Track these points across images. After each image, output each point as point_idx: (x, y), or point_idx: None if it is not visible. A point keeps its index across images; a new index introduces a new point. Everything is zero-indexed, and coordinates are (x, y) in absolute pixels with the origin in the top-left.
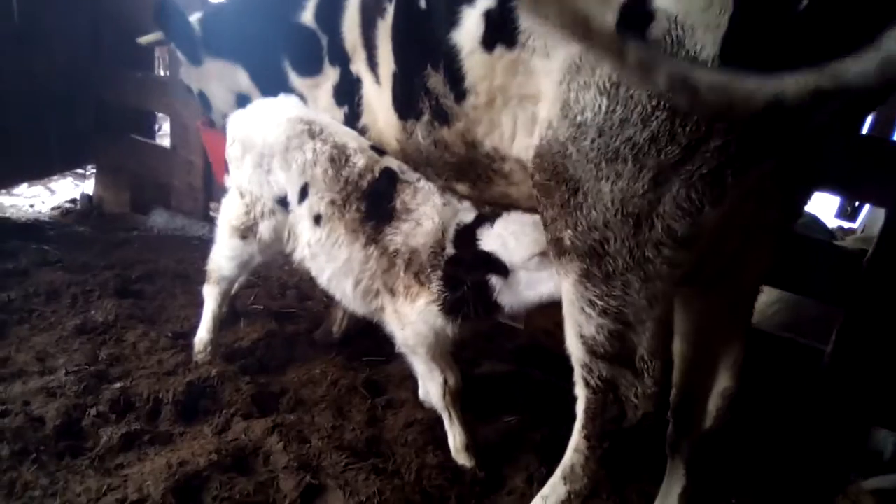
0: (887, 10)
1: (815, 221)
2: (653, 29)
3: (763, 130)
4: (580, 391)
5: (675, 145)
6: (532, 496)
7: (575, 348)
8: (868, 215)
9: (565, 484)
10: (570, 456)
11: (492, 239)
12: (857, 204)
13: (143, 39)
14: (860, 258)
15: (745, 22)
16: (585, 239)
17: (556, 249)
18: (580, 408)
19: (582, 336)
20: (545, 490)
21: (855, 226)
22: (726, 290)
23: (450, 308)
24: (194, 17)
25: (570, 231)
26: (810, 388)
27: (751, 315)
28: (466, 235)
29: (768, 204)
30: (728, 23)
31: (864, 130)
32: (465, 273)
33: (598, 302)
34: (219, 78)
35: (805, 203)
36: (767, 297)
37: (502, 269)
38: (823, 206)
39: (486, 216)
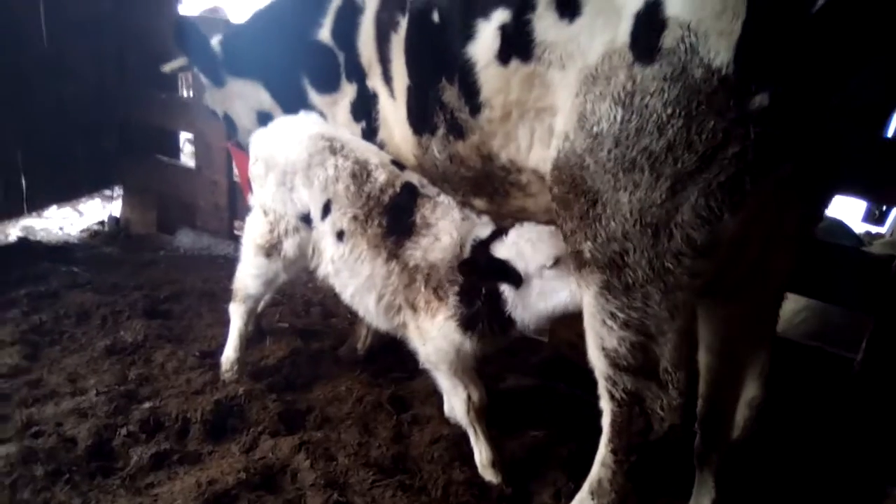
0: None
1: (841, 227)
2: (666, 37)
3: (781, 135)
4: (605, 404)
5: (691, 153)
6: None
7: (598, 361)
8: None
9: (593, 499)
10: (597, 470)
11: (506, 247)
12: (884, 208)
13: (168, 67)
14: (889, 263)
15: (759, 27)
16: (605, 250)
17: (576, 262)
18: (606, 421)
19: (604, 349)
20: None
21: (883, 230)
22: (749, 298)
23: (466, 323)
24: (215, 40)
25: (589, 243)
26: (840, 397)
27: (775, 323)
28: (482, 250)
29: (788, 209)
30: (741, 28)
31: (890, 133)
32: (478, 280)
33: (620, 314)
34: (241, 97)
35: (825, 207)
36: (794, 304)
37: (516, 278)
38: (850, 210)
39: (504, 230)
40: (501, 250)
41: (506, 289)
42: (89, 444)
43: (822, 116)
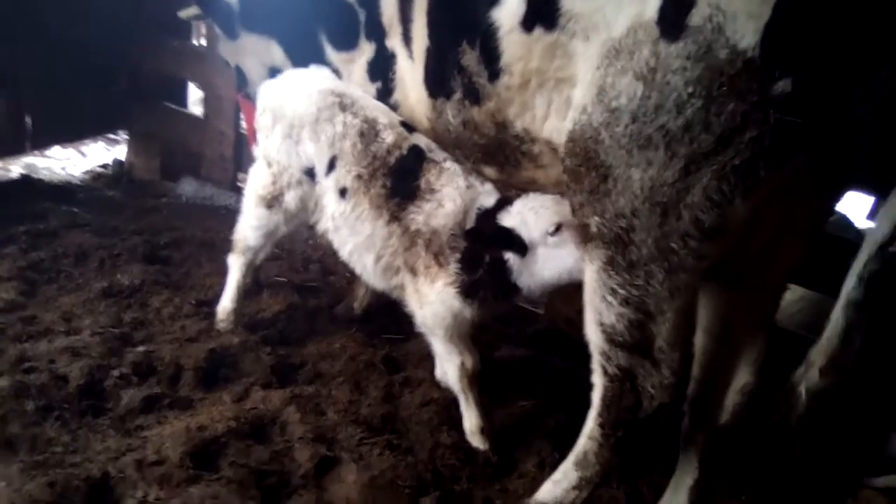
0: None
1: (844, 221)
2: (694, 15)
3: (801, 123)
4: (597, 379)
5: (708, 134)
6: (543, 481)
7: (594, 336)
8: None
9: (577, 470)
10: (583, 443)
11: (511, 216)
12: None
13: (184, 14)
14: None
15: (789, 12)
16: (612, 226)
17: (582, 235)
18: (596, 395)
19: (602, 324)
20: (556, 475)
21: None
22: (753, 286)
23: (467, 290)
24: None
25: (597, 217)
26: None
27: (774, 312)
28: (487, 219)
29: (801, 201)
30: (771, 12)
31: None
32: (484, 249)
33: (621, 291)
34: (254, 52)
35: (837, 202)
36: (791, 295)
37: (521, 246)
38: (855, 206)
39: (509, 199)
40: (507, 219)
41: (511, 257)
42: (81, 383)
43: (843, 108)
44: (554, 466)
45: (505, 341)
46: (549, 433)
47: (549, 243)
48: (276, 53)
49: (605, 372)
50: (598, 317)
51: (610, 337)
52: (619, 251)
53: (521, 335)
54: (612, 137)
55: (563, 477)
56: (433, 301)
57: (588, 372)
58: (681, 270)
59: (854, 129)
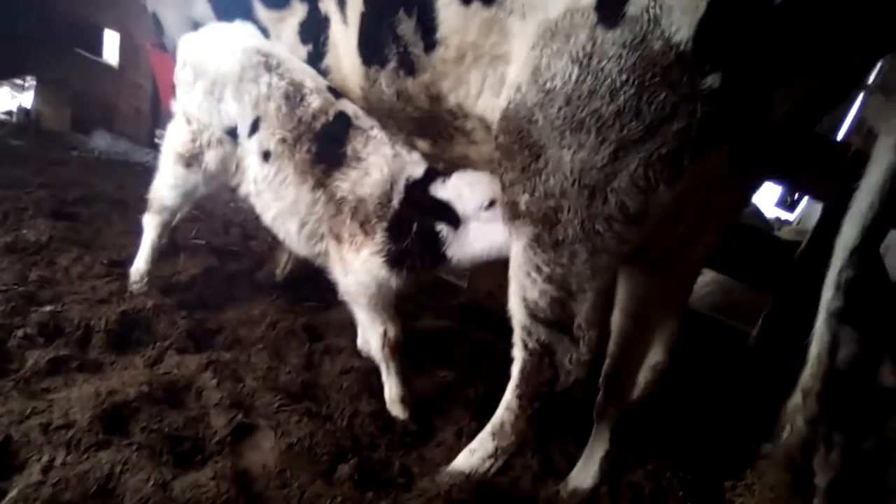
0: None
1: (755, 210)
2: (631, 5)
3: (726, 117)
4: (518, 352)
5: (639, 122)
6: (460, 450)
7: (517, 310)
8: (805, 209)
9: (493, 440)
10: (500, 413)
11: (446, 189)
12: (795, 196)
13: None
14: (794, 249)
15: (722, 10)
16: (540, 205)
17: (510, 212)
18: (516, 368)
19: (525, 299)
20: (473, 444)
21: (791, 217)
22: (670, 270)
23: (394, 260)
24: None
25: (526, 195)
26: (733, 367)
27: (689, 295)
28: (417, 189)
29: (720, 191)
30: (706, 8)
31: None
32: (418, 219)
33: (545, 268)
34: (174, 3)
35: (755, 193)
36: (702, 278)
37: (454, 219)
38: (764, 195)
39: (437, 171)
40: (442, 191)
41: (443, 228)
42: None
43: (765, 106)
44: (472, 436)
45: (428, 312)
46: (467, 403)
47: (481, 218)
48: (200, 5)
49: (526, 346)
50: (521, 292)
51: (532, 312)
52: (545, 230)
53: (443, 307)
54: (545, 118)
55: (480, 446)
56: (358, 269)
57: (507, 345)
58: (604, 252)
59: (773, 125)
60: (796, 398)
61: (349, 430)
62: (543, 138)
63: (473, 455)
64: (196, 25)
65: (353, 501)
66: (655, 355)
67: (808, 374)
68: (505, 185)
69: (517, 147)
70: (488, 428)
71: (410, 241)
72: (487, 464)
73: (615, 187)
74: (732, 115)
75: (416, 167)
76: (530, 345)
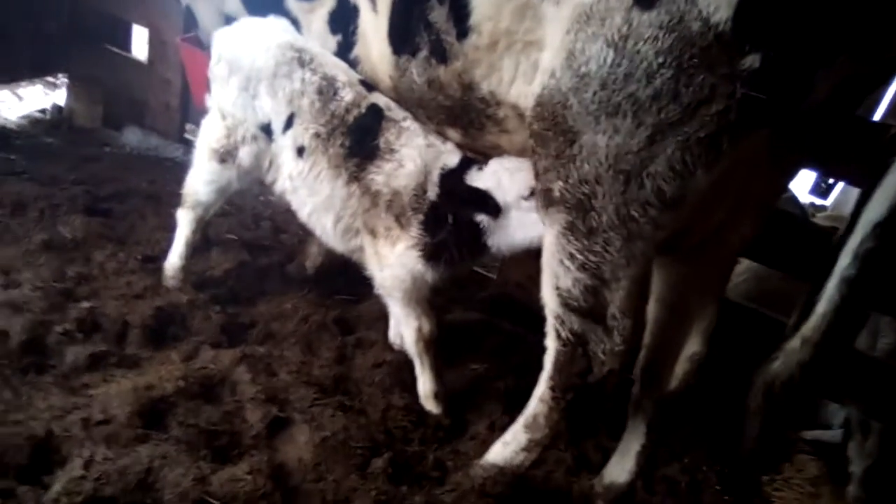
0: None
1: (790, 196)
2: None
3: (765, 99)
4: (550, 342)
5: (676, 105)
6: (493, 443)
7: (550, 299)
8: (840, 195)
9: (526, 432)
10: (533, 406)
11: (485, 177)
12: (830, 182)
13: None
14: (831, 235)
15: None
16: (575, 191)
17: (544, 200)
18: (548, 359)
19: (558, 288)
20: (506, 436)
21: (826, 203)
22: (708, 258)
23: (430, 253)
24: None
25: (560, 182)
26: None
27: (726, 284)
28: (453, 179)
29: (759, 175)
30: None
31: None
32: (456, 210)
33: (579, 256)
34: None
35: (792, 179)
36: (737, 266)
37: (494, 208)
38: (797, 181)
39: (473, 159)
40: (479, 180)
41: (484, 218)
42: (22, 339)
43: (807, 87)
44: (504, 428)
45: (457, 304)
46: (499, 396)
47: (522, 206)
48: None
49: (559, 336)
50: (554, 280)
51: (565, 301)
52: (579, 216)
53: (472, 299)
54: (580, 103)
55: (513, 439)
56: (393, 263)
57: (538, 337)
58: (639, 239)
59: (812, 107)
60: (795, 342)
61: (382, 424)
62: (578, 124)
63: (506, 448)
64: (229, 19)
65: (388, 495)
66: (693, 346)
67: (811, 326)
68: (539, 172)
69: (551, 133)
70: (521, 420)
71: (447, 233)
72: (521, 457)
73: (651, 172)
74: (772, 97)
75: (450, 156)
76: (563, 334)
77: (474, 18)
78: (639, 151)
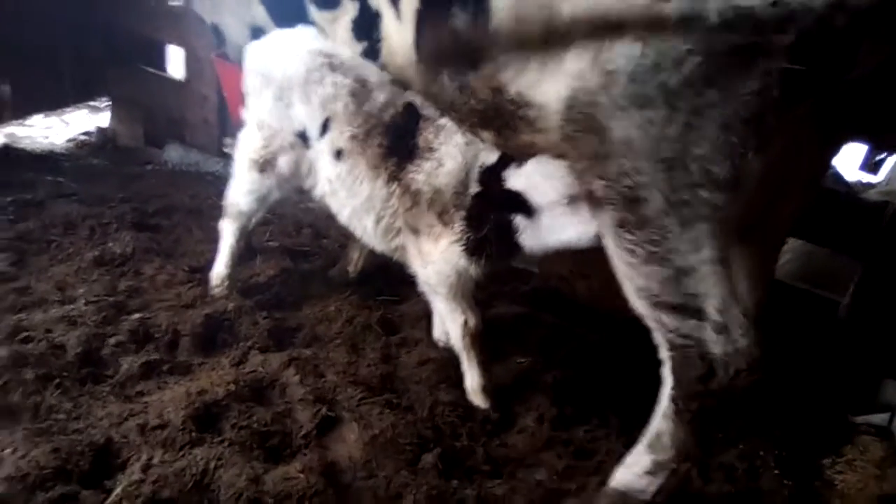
0: None
1: (834, 173)
2: None
3: (804, 72)
4: (663, 353)
5: (710, 88)
6: (542, 436)
7: (637, 304)
8: (893, 170)
9: (650, 453)
10: (656, 423)
11: (521, 178)
12: (880, 157)
13: None
14: (882, 210)
15: None
16: (616, 186)
17: (589, 202)
18: (666, 370)
19: (638, 288)
20: (629, 459)
21: (875, 180)
22: (756, 239)
23: (473, 248)
24: None
25: (600, 180)
26: (823, 339)
27: (775, 264)
28: (492, 175)
29: (803, 154)
30: None
31: None
32: (491, 209)
33: (639, 249)
34: (233, 9)
35: (837, 154)
36: None
37: (528, 209)
38: (846, 158)
39: (511, 157)
40: (517, 180)
41: (518, 218)
42: (79, 351)
43: (850, 60)
44: (552, 420)
45: (500, 299)
46: (546, 388)
47: (556, 210)
48: (258, 11)
49: (669, 342)
50: (630, 282)
51: (650, 299)
52: (627, 209)
53: (515, 293)
54: (609, 99)
55: (636, 461)
56: (437, 260)
57: (582, 329)
58: (697, 221)
59: (858, 81)
60: None
61: (430, 420)
62: (610, 120)
63: (629, 471)
64: (255, 32)
65: (439, 490)
66: None
67: None
68: (577, 174)
69: (583, 133)
70: (644, 440)
71: (489, 228)
72: (645, 481)
73: (696, 155)
74: (812, 69)
75: (489, 153)
76: (669, 338)
77: (495, 23)
78: (678, 138)
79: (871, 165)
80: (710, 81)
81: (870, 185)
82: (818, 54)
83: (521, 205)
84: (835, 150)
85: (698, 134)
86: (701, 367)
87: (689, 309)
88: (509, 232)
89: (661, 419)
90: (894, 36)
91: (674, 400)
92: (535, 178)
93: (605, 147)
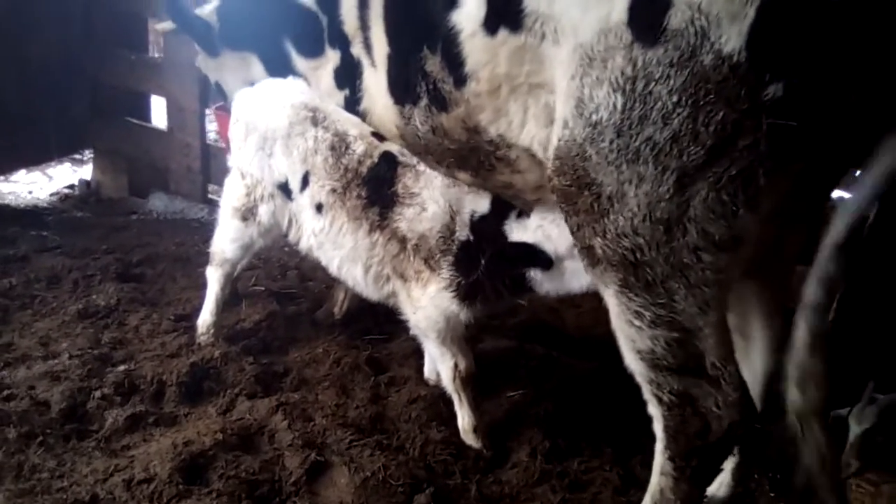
0: None
1: None
2: (671, 18)
3: (797, 127)
4: (654, 410)
5: (698, 145)
6: (535, 470)
7: (635, 365)
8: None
9: None
10: (656, 481)
11: (530, 231)
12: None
13: (159, 27)
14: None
15: (774, 12)
16: (616, 247)
17: (588, 259)
18: (658, 427)
19: (639, 351)
20: None
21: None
22: (766, 273)
23: (464, 293)
24: (210, 7)
25: (599, 239)
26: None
27: (787, 294)
28: (489, 226)
29: (805, 194)
30: (755, 13)
31: None
32: (511, 268)
33: (646, 312)
34: (235, 68)
35: (837, 184)
36: None
37: (546, 261)
38: None
39: (505, 204)
40: (524, 234)
41: (533, 271)
42: (63, 406)
43: (842, 109)
44: (545, 454)
45: (489, 333)
46: (538, 422)
47: (575, 255)
48: (256, 68)
49: (661, 400)
50: (632, 344)
51: (652, 362)
52: (630, 272)
53: (504, 326)
54: (598, 153)
55: None
56: (426, 305)
57: (572, 359)
58: (703, 285)
59: (854, 125)
60: (793, 395)
61: (422, 460)
62: (601, 175)
63: None
64: None
65: None
66: (767, 364)
67: (791, 363)
68: (573, 229)
69: (576, 189)
70: (647, 498)
71: (482, 273)
72: None
73: (691, 216)
74: (806, 124)
75: (478, 200)
76: (665, 398)
77: (470, 66)
78: (671, 198)
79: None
80: (697, 137)
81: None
82: (807, 109)
83: (538, 258)
84: (837, 183)
85: (691, 193)
86: (696, 423)
87: (690, 369)
88: (519, 282)
89: (660, 477)
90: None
91: (671, 458)
92: (547, 229)
93: (601, 204)
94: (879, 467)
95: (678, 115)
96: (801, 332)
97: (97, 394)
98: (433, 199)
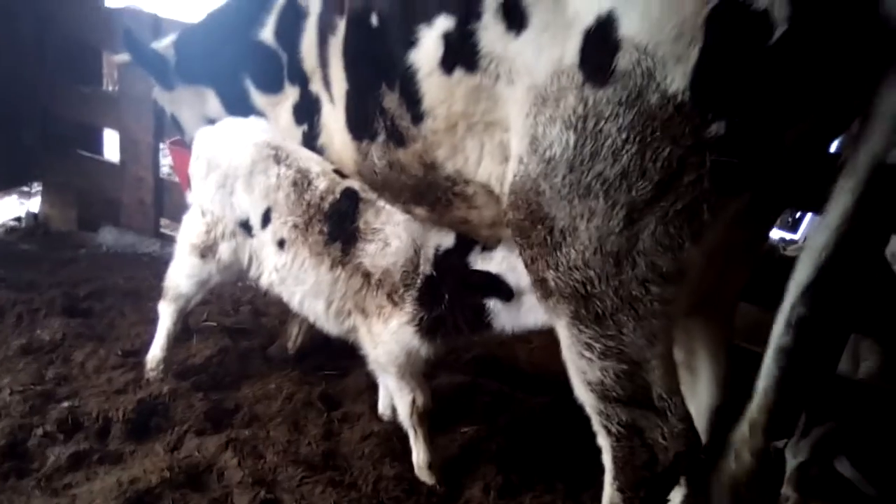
0: (861, 43)
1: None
2: (620, 59)
3: (739, 164)
4: (602, 441)
5: (646, 181)
6: None
7: (585, 396)
8: (808, 226)
9: None
10: None
11: (495, 262)
12: (797, 215)
13: (116, 59)
14: None
15: (716, 55)
16: (568, 279)
17: (541, 291)
18: (606, 458)
19: (589, 382)
20: None
21: (796, 237)
22: (709, 310)
23: (427, 328)
24: (167, 41)
25: (552, 272)
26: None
27: (731, 332)
28: (453, 259)
29: (746, 230)
30: (698, 55)
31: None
32: (462, 291)
33: (596, 344)
34: (192, 104)
35: (774, 224)
36: None
37: (507, 292)
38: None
39: (468, 239)
40: (489, 264)
41: (493, 302)
42: (2, 444)
43: (780, 147)
44: (498, 489)
45: (442, 369)
46: (492, 457)
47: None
48: (212, 102)
49: (609, 432)
50: (582, 375)
51: (602, 394)
52: (581, 304)
53: (457, 362)
54: (552, 188)
55: None
56: (387, 340)
57: (525, 395)
58: (651, 317)
59: (790, 163)
60: (743, 429)
61: (375, 496)
62: (554, 210)
63: None
64: (211, 122)
65: None
66: (713, 399)
67: (755, 406)
68: (527, 262)
69: (529, 223)
70: None
71: (444, 308)
72: None
73: (640, 250)
74: (747, 161)
75: (443, 236)
76: (613, 429)
77: (427, 103)
78: (621, 231)
79: (790, 224)
80: (645, 173)
81: (791, 242)
82: (749, 146)
83: (499, 288)
84: (775, 219)
85: (640, 227)
86: (644, 454)
87: (637, 400)
88: (477, 313)
89: None
90: (809, 114)
91: (620, 489)
92: (512, 261)
93: (553, 237)
94: (817, 498)
95: (627, 151)
96: (770, 374)
97: (39, 431)
98: (396, 235)
